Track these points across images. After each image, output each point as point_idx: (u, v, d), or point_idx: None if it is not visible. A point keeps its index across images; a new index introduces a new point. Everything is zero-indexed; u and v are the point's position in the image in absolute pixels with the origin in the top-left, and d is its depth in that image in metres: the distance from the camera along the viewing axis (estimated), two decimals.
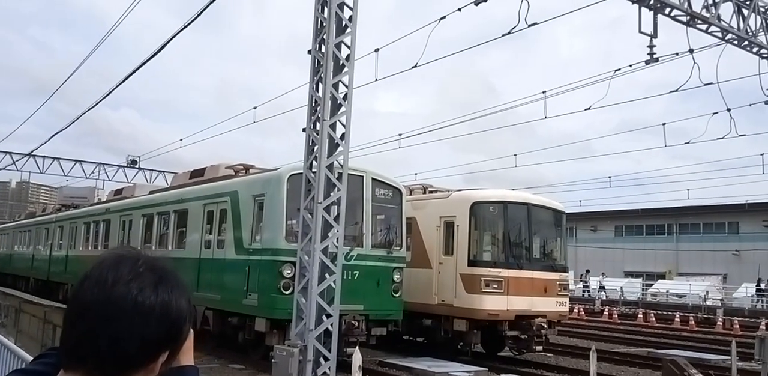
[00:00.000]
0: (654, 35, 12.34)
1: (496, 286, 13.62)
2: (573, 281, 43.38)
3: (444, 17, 10.54)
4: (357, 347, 9.40)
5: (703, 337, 25.51)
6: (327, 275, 8.21)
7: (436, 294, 14.44)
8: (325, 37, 8.45)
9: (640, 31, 12.19)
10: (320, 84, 8.55)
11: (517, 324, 13.82)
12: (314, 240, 7.97)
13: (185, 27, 13.33)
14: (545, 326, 13.93)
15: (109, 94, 18.13)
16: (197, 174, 16.49)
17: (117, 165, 43.72)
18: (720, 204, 50.86)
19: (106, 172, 43.28)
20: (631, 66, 12.69)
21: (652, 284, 48.08)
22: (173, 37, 13.63)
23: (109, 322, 1.14)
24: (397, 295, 12.86)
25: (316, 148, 8.42)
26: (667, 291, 45.24)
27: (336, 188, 8.31)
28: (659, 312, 35.00)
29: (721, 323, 30.79)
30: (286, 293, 11.30)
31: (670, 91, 13.02)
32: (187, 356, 1.37)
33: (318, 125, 8.39)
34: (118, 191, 22.72)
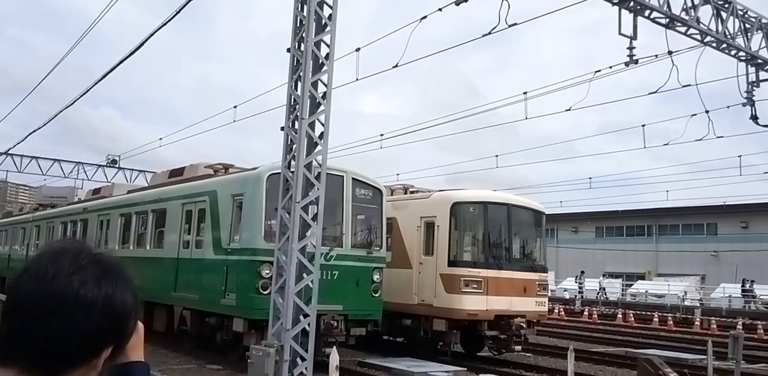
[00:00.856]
0: (634, 37, 12.42)
1: (475, 286, 13.63)
2: (554, 282, 43.62)
3: (425, 17, 10.53)
4: (335, 347, 9.36)
5: (681, 337, 25.77)
6: (305, 275, 8.15)
7: (416, 294, 14.42)
8: (304, 35, 8.39)
9: (620, 33, 12.27)
10: (299, 83, 8.49)
11: (496, 324, 13.85)
12: (292, 239, 7.92)
13: (164, 24, 13.21)
14: (524, 326, 13.97)
15: (87, 91, 17.92)
16: (176, 173, 16.34)
17: (96, 164, 43.21)
18: (699, 206, 51.46)
19: (85, 172, 42.74)
20: (611, 67, 12.78)
21: (632, 285, 48.50)
22: (152, 34, 13.50)
23: (48, 316, 1.09)
24: (376, 295, 12.83)
25: (294, 147, 8.37)
26: (646, 292, 45.66)
27: (314, 188, 8.26)
28: (638, 312, 35.33)
29: (698, 323, 31.13)
30: (265, 293, 11.22)
31: (649, 93, 13.13)
32: (137, 352, 1.33)
33: (297, 124, 8.34)
34: (96, 191, 22.47)
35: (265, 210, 11.51)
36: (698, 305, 40.45)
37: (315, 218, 8.16)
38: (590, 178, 33.67)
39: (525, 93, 14.37)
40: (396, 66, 11.60)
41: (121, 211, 17.42)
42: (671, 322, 30.71)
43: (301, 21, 8.54)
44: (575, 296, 44.43)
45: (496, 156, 23.91)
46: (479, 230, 14.40)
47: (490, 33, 9.84)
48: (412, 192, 16.50)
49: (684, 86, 12.05)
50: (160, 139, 26.60)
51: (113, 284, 1.18)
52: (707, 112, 15.16)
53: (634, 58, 12.49)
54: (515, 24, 9.68)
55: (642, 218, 58.00)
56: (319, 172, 8.30)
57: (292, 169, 8.31)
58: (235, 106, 18.53)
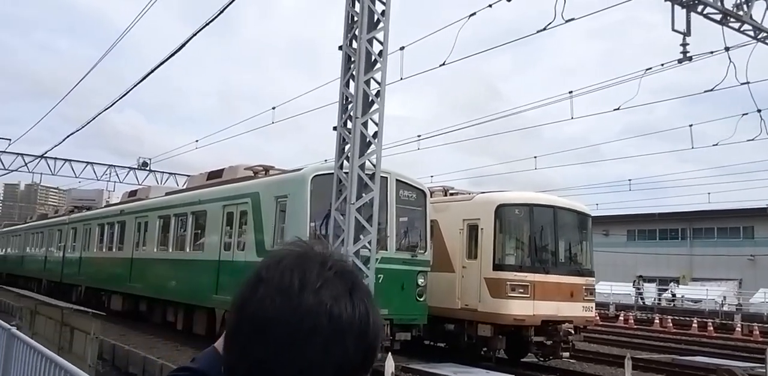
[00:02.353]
0: (687, 33, 12.03)
1: (522, 290, 13.28)
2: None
3: (474, 13, 10.27)
4: (389, 353, 9.09)
5: (724, 343, 25.07)
6: None
7: (459, 298, 14.11)
8: (357, 32, 8.17)
9: (673, 29, 11.90)
10: (351, 81, 8.26)
11: (543, 330, 13.47)
12: (347, 242, 7.68)
13: (195, 34, 13.18)
14: (572, 331, 13.58)
15: (122, 97, 18.01)
16: (215, 175, 16.25)
17: (128, 167, 43.65)
18: (735, 208, 50.19)
19: (117, 175, 43.20)
20: (663, 65, 12.36)
21: (667, 289, 47.54)
22: (185, 42, 13.49)
23: (299, 343, 0.86)
24: (421, 299, 12.56)
25: (347, 147, 8.14)
26: (683, 296, 44.70)
27: (368, 189, 8.02)
28: (676, 317, 34.56)
29: (739, 329, 30.31)
30: None
31: (705, 91, 12.66)
32: None
33: (350, 123, 8.11)
34: (133, 193, 22.52)
35: (309, 212, 11.30)
36: (736, 310, 39.51)
37: (369, 220, 7.91)
38: (630, 180, 32.94)
39: (570, 92, 14.01)
40: (443, 64, 11.35)
41: (159, 213, 17.38)
42: (711, 328, 29.95)
43: (352, 18, 8.32)
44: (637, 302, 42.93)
45: (535, 157, 23.44)
46: (525, 232, 14.04)
47: (545, 28, 9.53)
48: (451, 194, 16.19)
49: (743, 84, 11.58)
50: (197, 141, 26.67)
51: (365, 300, 0.93)
52: (759, 111, 14.69)
53: (688, 55, 12.08)
54: (572, 19, 9.36)
55: (676, 221, 56.90)
56: (373, 173, 8.05)
57: (345, 170, 8.08)
58: (273, 108, 18.43)
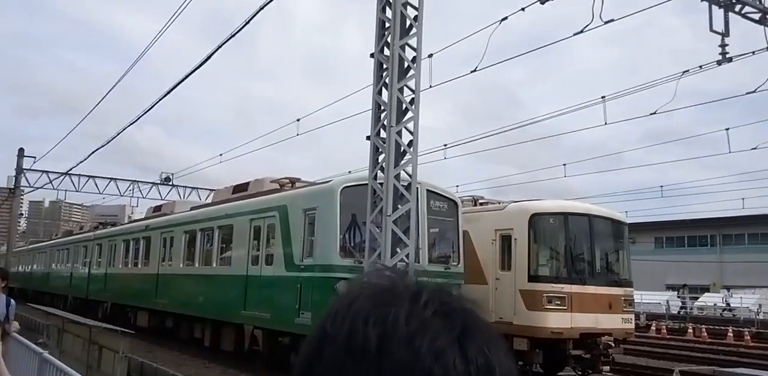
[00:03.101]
0: (726, 34, 11.62)
1: (559, 302, 12.84)
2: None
3: (506, 18, 9.97)
4: None
5: (762, 353, 24.26)
6: None
7: (492, 311, 13.67)
8: (389, 39, 7.90)
9: (711, 30, 11.49)
10: (384, 88, 7.99)
11: (581, 343, 13.00)
12: (384, 255, 7.36)
13: (213, 52, 13.11)
14: (612, 344, 13.09)
15: (145, 113, 17.98)
16: (240, 189, 16.04)
17: (151, 182, 43.80)
18: (765, 214, 49.04)
19: (140, 190, 43.37)
20: (701, 67, 11.93)
21: (698, 297, 46.51)
22: (204, 61, 13.43)
23: None
24: None
25: (380, 157, 7.84)
26: (715, 304, 43.66)
27: (404, 200, 7.70)
28: (710, 327, 33.64)
29: None
30: None
31: (747, 93, 12.20)
32: None
33: (383, 133, 7.82)
34: (157, 208, 22.42)
35: (339, 225, 11.01)
36: None
37: (406, 232, 7.59)
38: (662, 186, 32.30)
39: (603, 97, 13.61)
40: (474, 70, 11.05)
41: (185, 228, 17.20)
42: (748, 337, 29.06)
43: (383, 24, 8.05)
44: (679, 312, 41.65)
45: (564, 165, 22.94)
46: (560, 242, 13.60)
47: (582, 31, 9.20)
48: (481, 204, 15.81)
49: None
50: (221, 155, 26.60)
51: (484, 349, 0.62)
52: None
53: (728, 56, 11.66)
54: (611, 20, 9.01)
55: (705, 228, 55.86)
56: (409, 184, 7.74)
57: (379, 181, 7.77)
58: (298, 120, 18.24)
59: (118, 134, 21.40)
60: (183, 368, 14.38)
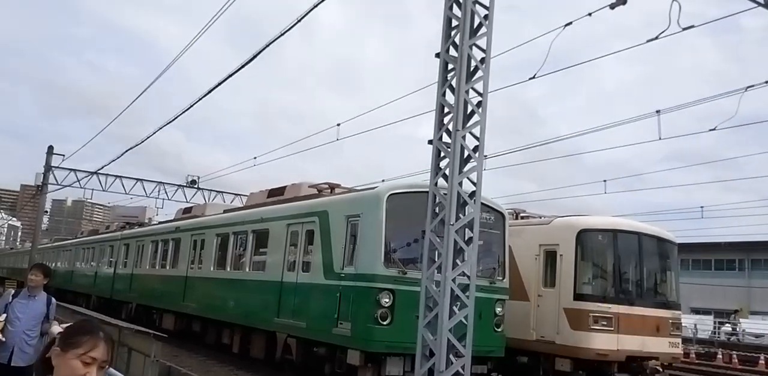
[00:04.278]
0: None
1: (605, 323, 12.30)
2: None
3: (570, 23, 9.58)
4: None
5: None
6: (456, 309, 7.14)
7: (534, 329, 13.19)
8: (457, 39, 7.52)
9: None
10: (448, 90, 7.60)
11: (627, 366, 12.45)
12: (445, 267, 6.93)
13: (243, 66, 12.90)
14: (660, 369, 12.51)
15: (175, 119, 17.82)
16: (276, 193, 15.72)
17: (177, 185, 43.85)
18: None
19: (165, 192, 43.44)
20: (767, 82, 11.40)
21: (725, 323, 45.32)
22: (237, 70, 13.21)
23: None
24: (499, 330, 11.69)
25: (443, 163, 7.43)
26: (743, 330, 42.51)
27: (467, 208, 7.28)
28: (740, 353, 32.68)
29: None
30: (384, 323, 10.29)
31: None
32: None
33: (448, 137, 7.42)
34: (187, 210, 22.19)
35: (384, 233, 10.59)
36: None
37: (469, 242, 7.16)
38: (702, 207, 31.52)
39: (658, 111, 13.11)
40: (533, 77, 10.64)
41: (216, 231, 16.90)
42: None
43: (450, 22, 7.68)
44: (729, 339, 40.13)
45: (604, 181, 22.35)
46: (608, 260, 13.07)
47: (657, 38, 8.76)
48: (523, 217, 15.32)
49: None
50: (255, 158, 26.43)
51: None
52: None
53: None
54: (691, 26, 8.56)
55: (732, 252, 54.72)
56: (473, 191, 7.32)
57: (443, 191, 7.36)
58: (338, 125, 17.94)
59: (149, 137, 21.28)
60: (211, 375, 14.01)
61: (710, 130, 12.74)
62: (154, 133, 20.87)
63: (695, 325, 42.47)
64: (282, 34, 11.58)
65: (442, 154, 7.42)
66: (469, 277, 7.22)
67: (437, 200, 7.46)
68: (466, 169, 7.38)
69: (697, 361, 30.82)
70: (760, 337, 40.94)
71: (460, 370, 6.82)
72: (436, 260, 7.31)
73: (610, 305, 12.40)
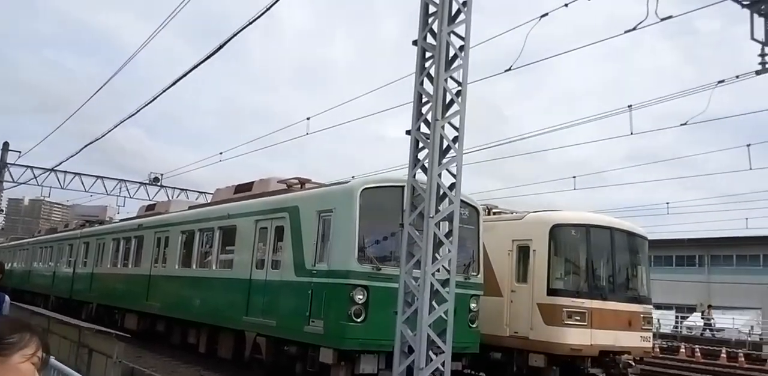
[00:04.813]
0: (766, 43, 11.17)
1: (579, 318, 12.25)
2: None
3: (546, 14, 9.46)
4: None
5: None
6: (435, 304, 6.92)
7: (507, 325, 13.08)
8: (435, 27, 7.30)
9: (752, 38, 11.04)
10: (426, 79, 7.37)
11: (600, 361, 12.41)
12: (425, 261, 6.70)
13: (202, 62, 12.64)
14: (632, 363, 12.51)
15: (132, 115, 17.35)
16: (244, 189, 15.31)
17: (139, 182, 42.88)
18: (755, 236, 48.95)
19: (127, 190, 42.43)
20: (738, 77, 11.46)
21: (688, 317, 46.22)
22: (195, 66, 12.99)
23: None
24: (474, 326, 11.53)
25: (422, 154, 7.20)
26: (704, 324, 43.36)
27: (446, 201, 7.07)
28: (703, 347, 33.30)
29: None
30: (358, 321, 10.03)
31: None
32: None
33: (426, 127, 7.19)
34: (151, 207, 21.57)
35: (358, 228, 10.33)
36: (759, 339, 38.19)
37: (449, 236, 6.95)
38: (667, 203, 31.97)
39: (630, 106, 13.12)
40: (509, 69, 10.50)
41: (182, 228, 16.41)
42: (742, 358, 28.69)
43: (427, 8, 7.45)
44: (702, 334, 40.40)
45: (574, 177, 22.44)
46: (581, 255, 13.03)
47: (635, 28, 8.65)
48: (495, 213, 15.19)
49: None
50: (221, 153, 25.87)
51: None
52: None
53: (767, 66, 11.21)
54: (670, 17, 8.49)
55: (693, 248, 55.78)
56: (453, 184, 7.10)
57: (420, 183, 7.13)
58: (308, 118, 17.57)
59: (110, 130, 20.63)
60: (176, 375, 13.58)
61: (681, 124, 12.80)
62: (114, 128, 20.25)
63: (658, 320, 43.16)
64: (243, 28, 11.24)
65: (421, 145, 7.18)
66: (449, 271, 7.00)
67: (416, 193, 7.23)
68: (445, 160, 7.15)
69: (661, 355, 31.35)
70: (721, 331, 41.88)
71: (440, 366, 6.60)
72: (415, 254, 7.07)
73: (583, 300, 12.35)
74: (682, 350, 32.39)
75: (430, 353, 6.76)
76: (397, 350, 6.88)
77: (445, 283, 7.00)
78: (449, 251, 6.94)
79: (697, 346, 33.30)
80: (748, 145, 16.59)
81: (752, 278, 52.56)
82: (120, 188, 42.01)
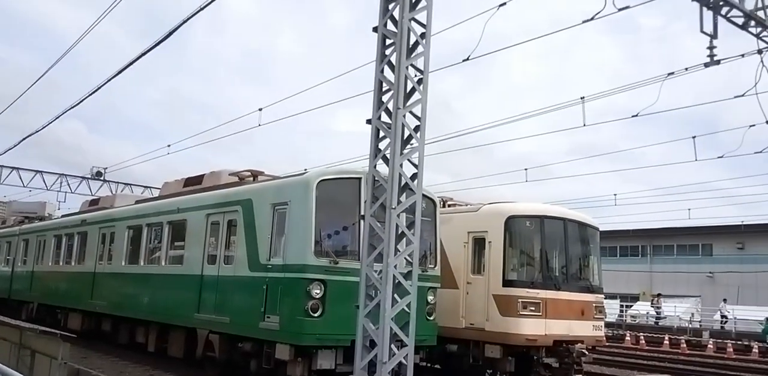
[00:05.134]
0: (714, 36, 11.42)
1: (533, 308, 12.33)
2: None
3: (504, 4, 9.41)
4: None
5: (705, 361, 24.70)
6: (397, 297, 6.78)
7: (463, 317, 13.07)
8: (396, 13, 7.13)
9: (701, 31, 11.27)
10: (387, 67, 7.21)
11: (554, 350, 12.53)
12: (387, 253, 6.55)
13: (144, 54, 12.23)
14: (586, 352, 12.67)
15: (72, 108, 16.68)
16: (194, 182, 14.86)
17: (81, 177, 41.50)
18: (694, 226, 50.68)
19: (68, 184, 41.03)
20: (687, 69, 11.70)
21: (632, 306, 47.57)
22: (138, 58, 12.52)
23: None
24: (431, 318, 11.47)
25: (383, 144, 7.04)
26: (648, 313, 44.71)
27: (408, 192, 6.93)
28: (647, 334, 34.32)
29: (712, 347, 30.16)
30: (315, 315, 9.83)
31: (735, 97, 12.03)
32: None
33: (387, 116, 7.03)
34: (95, 201, 20.78)
35: (315, 221, 10.10)
36: (699, 326, 39.64)
37: (411, 227, 6.81)
38: (615, 194, 32.63)
39: (582, 98, 13.26)
40: (467, 59, 10.42)
41: (128, 223, 15.84)
42: (684, 345, 29.67)
43: None
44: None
45: (526, 169, 22.74)
46: (536, 246, 13.10)
47: (592, 18, 8.68)
48: (450, 205, 15.17)
49: None
50: (168, 146, 25.15)
51: None
52: None
53: (715, 58, 11.47)
54: (626, 7, 8.54)
55: (636, 239, 57.39)
56: (415, 174, 6.96)
57: (382, 173, 6.97)
58: (260, 109, 17.17)
59: (50, 123, 19.80)
60: None
61: (633, 116, 13.01)
62: (54, 120, 19.43)
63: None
64: (194, 14, 10.83)
65: (382, 134, 7.02)
66: (411, 263, 6.87)
67: (377, 184, 7.06)
68: (406, 150, 7.01)
69: (607, 343, 32.13)
70: (662, 319, 43.26)
71: (403, 360, 6.48)
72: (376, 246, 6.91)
73: (538, 291, 12.42)
74: (627, 338, 33.34)
75: (393, 346, 6.62)
76: (359, 345, 6.72)
77: (407, 275, 6.86)
78: (411, 242, 6.80)
79: (641, 334, 34.36)
80: (694, 137, 17.06)
81: (692, 266, 54.49)
82: (61, 183, 40.63)
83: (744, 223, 49.24)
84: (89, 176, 41.42)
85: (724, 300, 40.64)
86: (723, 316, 38.53)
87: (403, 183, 6.88)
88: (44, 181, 39.90)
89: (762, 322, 32.42)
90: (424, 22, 7.22)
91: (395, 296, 6.80)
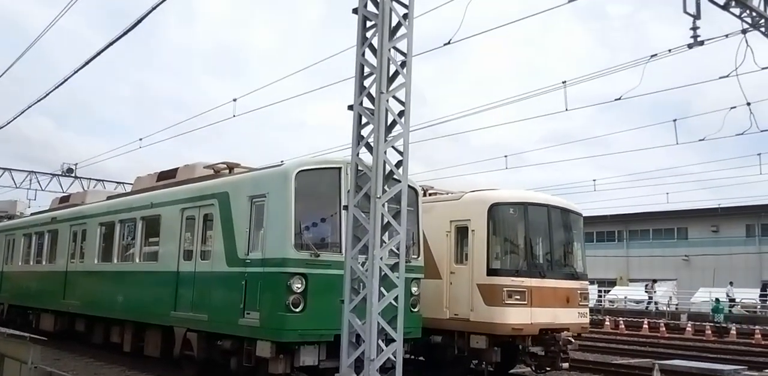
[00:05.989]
0: (697, 16, 11.25)
1: (518, 297, 12.13)
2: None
3: None
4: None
5: (683, 344, 24.90)
6: (384, 290, 6.48)
7: (447, 308, 12.84)
8: None
9: (684, 12, 11.09)
10: (368, 50, 6.87)
11: (540, 339, 12.37)
12: (373, 245, 6.24)
13: (110, 44, 11.75)
14: (572, 340, 12.53)
15: (38, 101, 16.10)
16: (167, 176, 14.38)
17: (51, 174, 40.53)
18: (669, 210, 51.15)
19: (38, 182, 40.06)
20: (670, 51, 11.54)
21: (610, 290, 47.96)
22: (103, 50, 12.08)
23: None
24: (415, 310, 11.21)
25: (365, 131, 6.72)
26: (626, 297, 45.12)
27: (393, 180, 6.62)
28: (626, 319, 34.60)
29: (690, 329, 30.48)
30: (296, 311, 9.50)
31: (720, 77, 11.87)
32: None
33: (370, 102, 6.70)
34: (65, 198, 20.15)
35: (294, 213, 9.75)
36: (675, 309, 40.10)
37: (397, 217, 6.51)
38: (594, 180, 32.77)
39: (564, 82, 13.07)
40: (448, 43, 10.12)
41: (100, 219, 15.32)
42: (663, 328, 29.92)
43: None
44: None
45: (505, 156, 22.53)
46: (519, 234, 12.90)
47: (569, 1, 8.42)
48: (431, 194, 14.89)
49: (763, 68, 10.88)
50: (140, 139, 24.53)
51: None
52: (749, 104, 14.19)
53: (699, 39, 11.31)
54: None
55: (612, 224, 57.82)
56: (400, 161, 6.65)
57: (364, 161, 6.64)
58: (234, 99, 16.72)
59: (15, 118, 19.15)
60: None
61: (616, 99, 12.85)
62: (18, 115, 18.80)
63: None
64: (156, 7, 10.37)
65: (365, 120, 6.68)
66: (397, 254, 6.57)
67: (360, 173, 6.74)
68: (390, 137, 6.68)
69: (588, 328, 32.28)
70: (640, 302, 43.71)
71: (392, 356, 6.19)
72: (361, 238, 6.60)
73: (523, 279, 12.23)
74: (607, 323, 33.56)
75: (380, 342, 6.33)
76: (345, 341, 6.41)
77: (393, 267, 6.56)
78: (398, 233, 6.49)
79: (620, 318, 34.62)
80: (675, 121, 16.99)
81: (667, 250, 55.11)
82: (30, 180, 39.65)
83: (721, 206, 49.83)
84: (60, 173, 40.47)
85: (731, 283, 40.65)
86: (731, 299, 38.65)
87: (387, 171, 6.55)
88: (13, 178, 38.93)
89: (713, 302, 32.86)
90: (406, 3, 6.88)
91: (382, 289, 6.50)
